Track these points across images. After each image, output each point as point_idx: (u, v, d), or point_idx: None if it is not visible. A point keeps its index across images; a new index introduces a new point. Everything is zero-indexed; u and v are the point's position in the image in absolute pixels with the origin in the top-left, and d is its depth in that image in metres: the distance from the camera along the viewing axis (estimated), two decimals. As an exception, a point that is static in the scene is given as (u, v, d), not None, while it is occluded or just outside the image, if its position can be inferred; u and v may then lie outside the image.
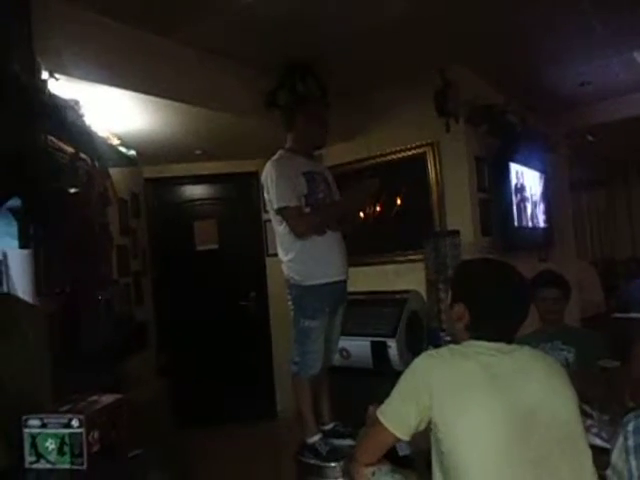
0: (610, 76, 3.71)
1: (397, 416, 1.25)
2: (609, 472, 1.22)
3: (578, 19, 2.81)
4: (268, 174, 2.22)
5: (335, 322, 2.37)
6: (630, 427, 1.18)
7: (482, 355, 1.24)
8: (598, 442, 1.50)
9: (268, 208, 2.29)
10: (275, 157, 2.28)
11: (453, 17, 2.68)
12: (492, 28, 2.86)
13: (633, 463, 1.14)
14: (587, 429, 1.36)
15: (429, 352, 1.33)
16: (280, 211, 2.18)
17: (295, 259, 2.23)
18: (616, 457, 1.19)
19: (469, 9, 2.62)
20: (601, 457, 1.24)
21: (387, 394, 1.31)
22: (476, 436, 1.15)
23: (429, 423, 1.22)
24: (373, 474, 1.35)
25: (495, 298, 1.31)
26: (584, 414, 1.44)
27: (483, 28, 2.84)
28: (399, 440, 1.27)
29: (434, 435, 1.22)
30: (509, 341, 1.29)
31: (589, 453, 1.20)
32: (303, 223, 2.19)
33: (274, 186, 2.18)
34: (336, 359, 2.57)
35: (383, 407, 1.30)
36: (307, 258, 2.21)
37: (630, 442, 1.16)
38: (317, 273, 2.21)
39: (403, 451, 1.52)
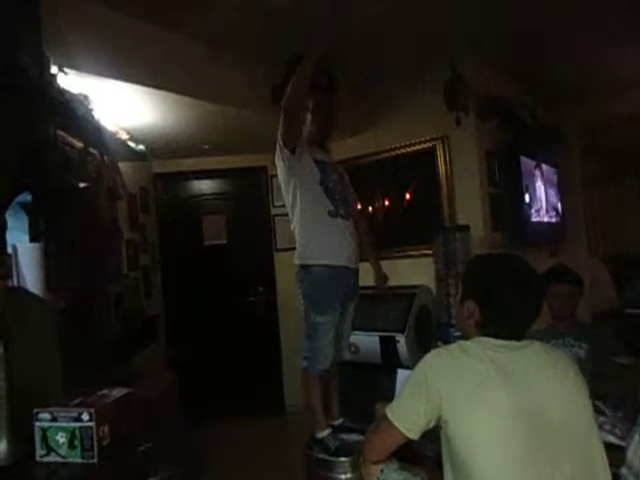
0: (627, 68, 3.65)
1: (406, 415, 1.24)
2: (624, 471, 1.20)
3: (593, 9, 2.76)
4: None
5: (346, 318, 2.35)
6: (646, 425, 1.16)
7: (492, 352, 1.22)
8: (611, 439, 1.48)
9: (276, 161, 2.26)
10: None
11: (464, 8, 2.65)
12: (504, 19, 2.82)
13: (649, 461, 1.13)
14: (600, 426, 1.34)
15: (438, 350, 1.31)
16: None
17: (299, 234, 2.23)
18: (632, 455, 1.18)
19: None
20: (614, 454, 1.23)
21: (395, 389, 1.30)
22: (487, 433, 1.14)
23: (438, 421, 1.21)
24: (382, 471, 1.34)
25: (507, 296, 1.28)
26: (597, 411, 1.42)
27: (495, 20, 2.80)
28: (408, 439, 1.25)
29: (444, 432, 1.21)
30: (520, 337, 1.27)
31: (602, 449, 1.18)
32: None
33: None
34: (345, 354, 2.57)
35: (392, 405, 1.28)
36: (310, 234, 2.20)
37: (646, 440, 1.15)
38: (318, 251, 2.19)
39: None
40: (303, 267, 2.22)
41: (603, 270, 4.59)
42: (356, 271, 2.32)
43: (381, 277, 2.51)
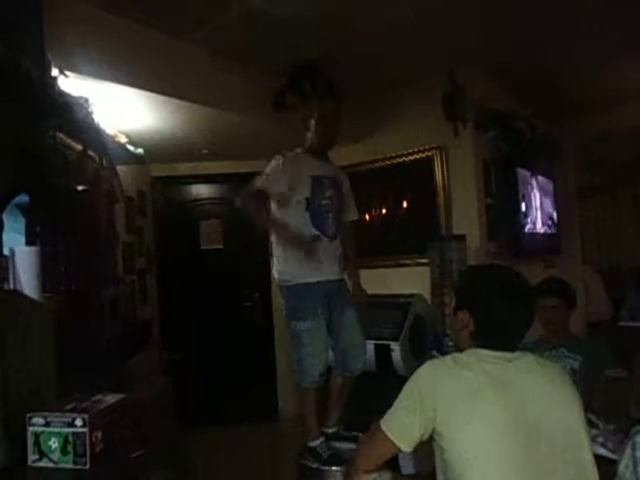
0: (625, 82, 3.68)
1: (400, 427, 1.23)
2: (615, 484, 1.21)
3: (595, 22, 2.79)
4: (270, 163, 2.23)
5: (347, 326, 2.26)
6: (638, 438, 1.16)
7: (486, 364, 1.23)
8: (603, 452, 1.49)
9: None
10: (288, 153, 2.26)
11: (464, 19, 2.67)
12: (504, 33, 2.84)
13: (641, 475, 1.13)
14: (592, 439, 1.34)
15: (433, 361, 1.31)
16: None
17: (278, 256, 2.22)
18: (623, 468, 1.18)
19: (480, 11, 2.61)
20: (606, 467, 1.23)
21: (390, 398, 1.29)
22: (480, 446, 1.14)
23: (432, 432, 1.20)
24: (374, 480, 1.34)
25: (500, 307, 1.28)
26: (589, 423, 1.42)
27: (494, 31, 2.83)
28: (401, 451, 1.25)
29: (438, 444, 1.21)
30: (513, 349, 1.28)
31: (594, 463, 1.18)
32: (244, 200, 2.16)
33: (265, 171, 2.20)
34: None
35: (386, 417, 1.27)
36: (288, 256, 2.18)
37: (638, 453, 1.15)
38: (297, 273, 2.17)
39: (408, 470, 1.48)
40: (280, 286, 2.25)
41: (597, 281, 4.60)
42: (339, 280, 2.28)
43: (357, 292, 2.40)
